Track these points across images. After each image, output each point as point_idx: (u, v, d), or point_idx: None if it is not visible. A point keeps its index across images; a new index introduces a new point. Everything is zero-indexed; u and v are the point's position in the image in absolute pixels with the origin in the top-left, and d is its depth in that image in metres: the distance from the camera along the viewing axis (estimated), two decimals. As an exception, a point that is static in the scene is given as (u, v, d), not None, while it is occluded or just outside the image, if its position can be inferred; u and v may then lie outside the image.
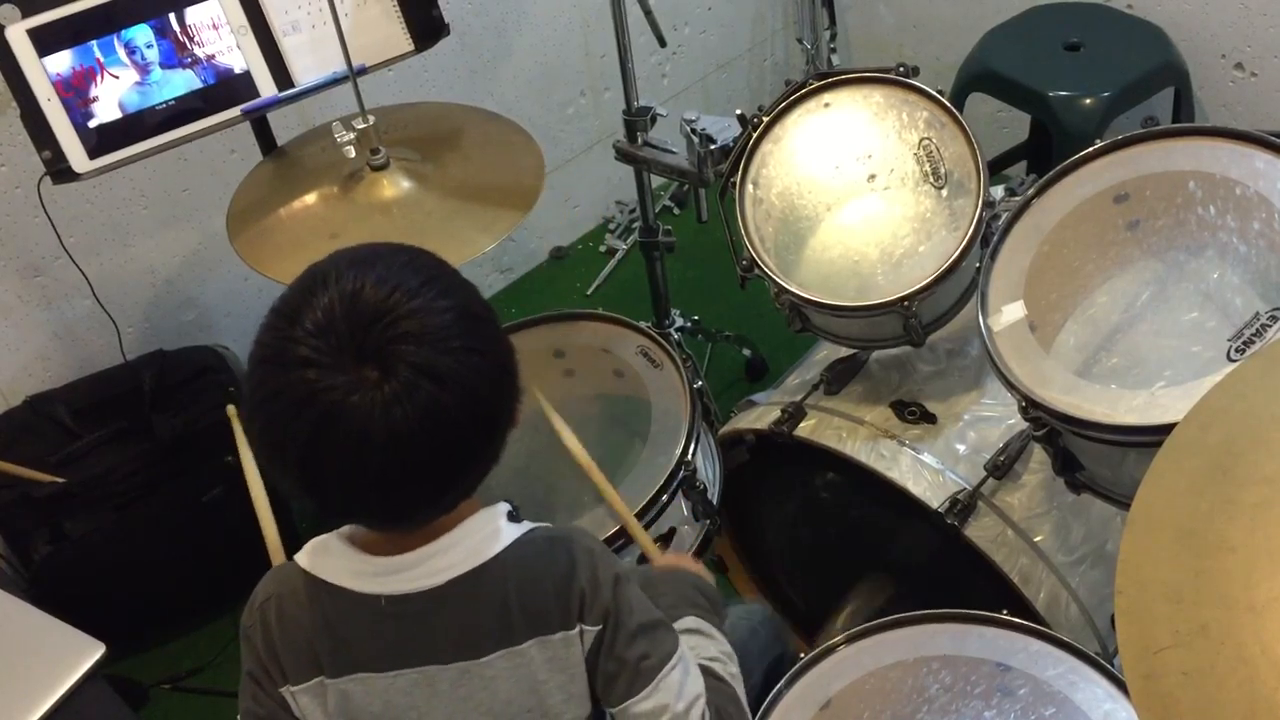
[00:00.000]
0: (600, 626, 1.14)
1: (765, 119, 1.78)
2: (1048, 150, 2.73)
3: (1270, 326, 1.31)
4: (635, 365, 1.84)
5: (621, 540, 1.61)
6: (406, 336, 0.97)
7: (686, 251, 2.62)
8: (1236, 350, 1.32)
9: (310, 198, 1.76)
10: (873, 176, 1.74)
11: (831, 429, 1.78)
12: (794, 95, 1.78)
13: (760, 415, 1.87)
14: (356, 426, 0.96)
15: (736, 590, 2.16)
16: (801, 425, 1.80)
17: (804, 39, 3.33)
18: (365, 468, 0.98)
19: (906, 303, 1.64)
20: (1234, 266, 1.40)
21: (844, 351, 1.91)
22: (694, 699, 1.17)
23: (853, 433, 1.75)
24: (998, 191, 1.93)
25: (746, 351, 2.74)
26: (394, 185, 1.74)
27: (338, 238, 1.68)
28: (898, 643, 1.47)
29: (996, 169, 3.05)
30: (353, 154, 1.70)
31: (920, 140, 1.71)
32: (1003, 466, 1.68)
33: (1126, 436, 1.34)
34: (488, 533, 1.12)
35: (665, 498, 1.65)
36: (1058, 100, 2.57)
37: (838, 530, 1.92)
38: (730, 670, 1.28)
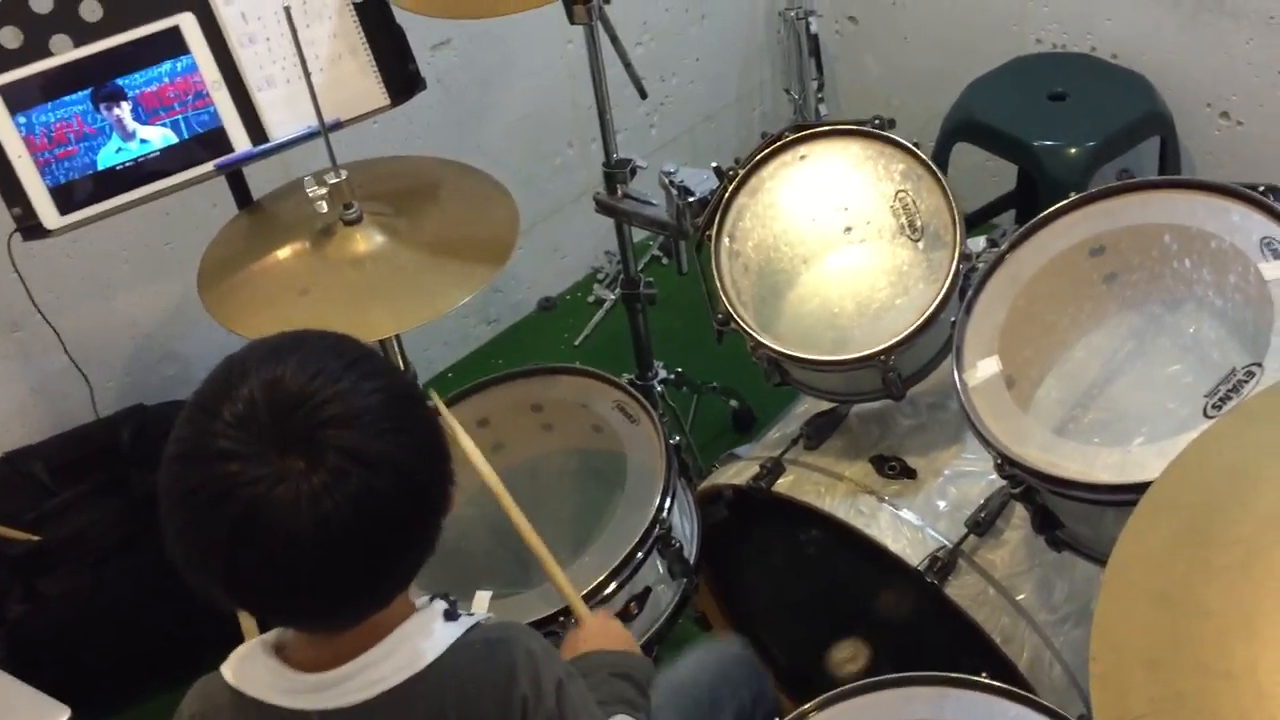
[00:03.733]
0: None
1: (741, 171, 1.77)
2: (1035, 199, 2.72)
3: (1246, 382, 1.28)
4: (612, 420, 1.82)
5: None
6: (332, 421, 0.94)
7: (673, 302, 2.61)
8: (1213, 406, 1.29)
9: (282, 253, 1.74)
10: (849, 229, 1.73)
11: (810, 484, 1.75)
12: (770, 148, 1.77)
13: (739, 471, 1.85)
14: (283, 522, 0.91)
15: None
16: (780, 481, 1.77)
17: (791, 89, 3.35)
18: (295, 566, 0.94)
19: (884, 356, 1.62)
20: (1210, 320, 1.38)
21: (825, 405, 1.88)
22: None
23: (831, 489, 1.72)
24: (979, 243, 1.91)
25: (733, 402, 2.72)
26: (367, 240, 1.73)
27: (308, 293, 1.67)
28: (873, 708, 1.43)
29: (985, 218, 3.04)
30: (325, 209, 1.69)
31: (896, 192, 1.70)
32: (984, 523, 1.65)
33: (1103, 495, 1.31)
34: (422, 639, 1.07)
35: (640, 555, 1.62)
36: (1042, 150, 2.56)
37: (819, 587, 1.89)
38: None
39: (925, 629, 1.73)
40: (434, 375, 3.09)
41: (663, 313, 2.50)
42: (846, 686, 1.45)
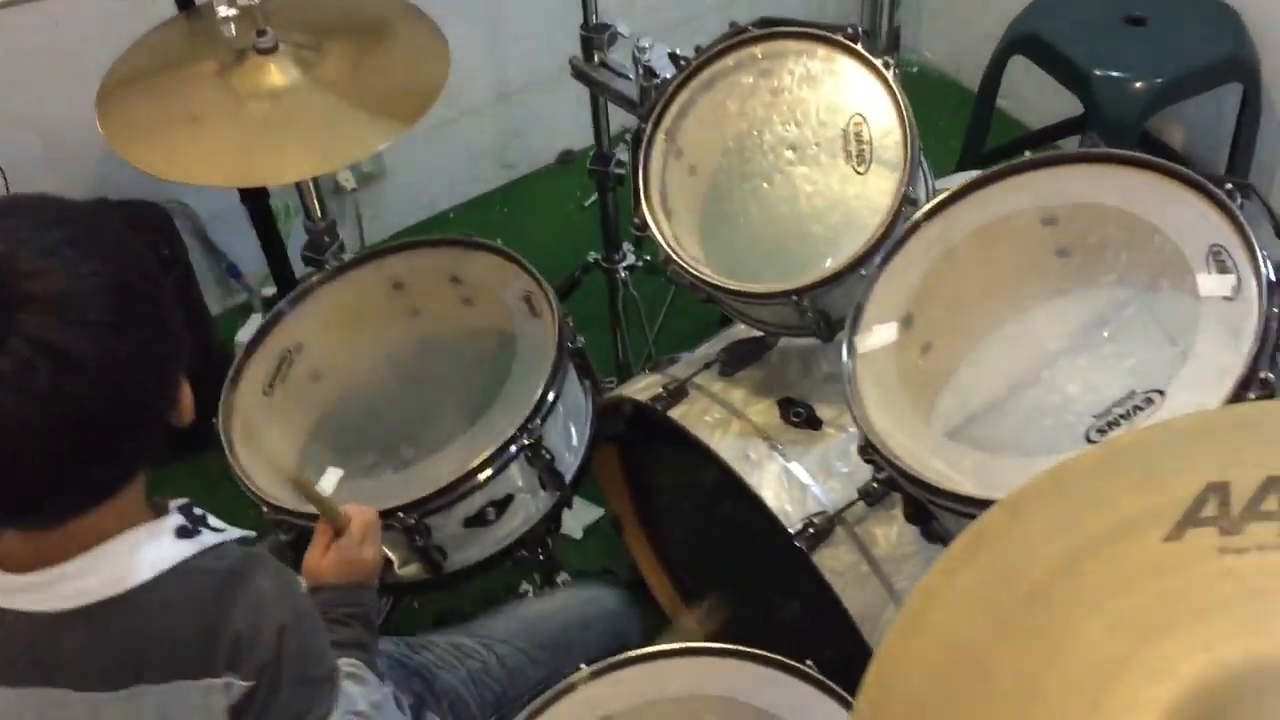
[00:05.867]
0: (253, 683, 0.99)
1: (693, 64, 1.58)
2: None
3: (1142, 409, 1.10)
4: (515, 310, 1.69)
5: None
6: (29, 302, 0.82)
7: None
8: (1098, 430, 1.12)
9: (188, 74, 1.62)
10: (794, 148, 1.54)
11: (708, 416, 1.61)
12: (730, 41, 1.58)
13: (645, 386, 1.71)
14: None
15: (635, 557, 2.03)
16: (678, 406, 1.64)
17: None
18: None
19: (796, 296, 1.46)
20: (1129, 330, 1.19)
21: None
22: None
23: (725, 425, 1.59)
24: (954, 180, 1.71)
25: (722, 296, 2.55)
26: (281, 73, 1.59)
27: (199, 123, 1.55)
28: (691, 673, 1.32)
29: (1046, 140, 2.77)
30: (232, 32, 1.56)
31: (851, 116, 1.50)
32: (877, 493, 1.50)
33: (954, 505, 1.16)
34: (140, 555, 0.98)
35: (498, 463, 1.51)
36: (1101, 81, 2.29)
37: (710, 519, 1.78)
38: None
39: (794, 592, 1.61)
40: (435, 215, 2.98)
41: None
42: (673, 645, 1.36)
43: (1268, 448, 0.94)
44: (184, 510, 1.05)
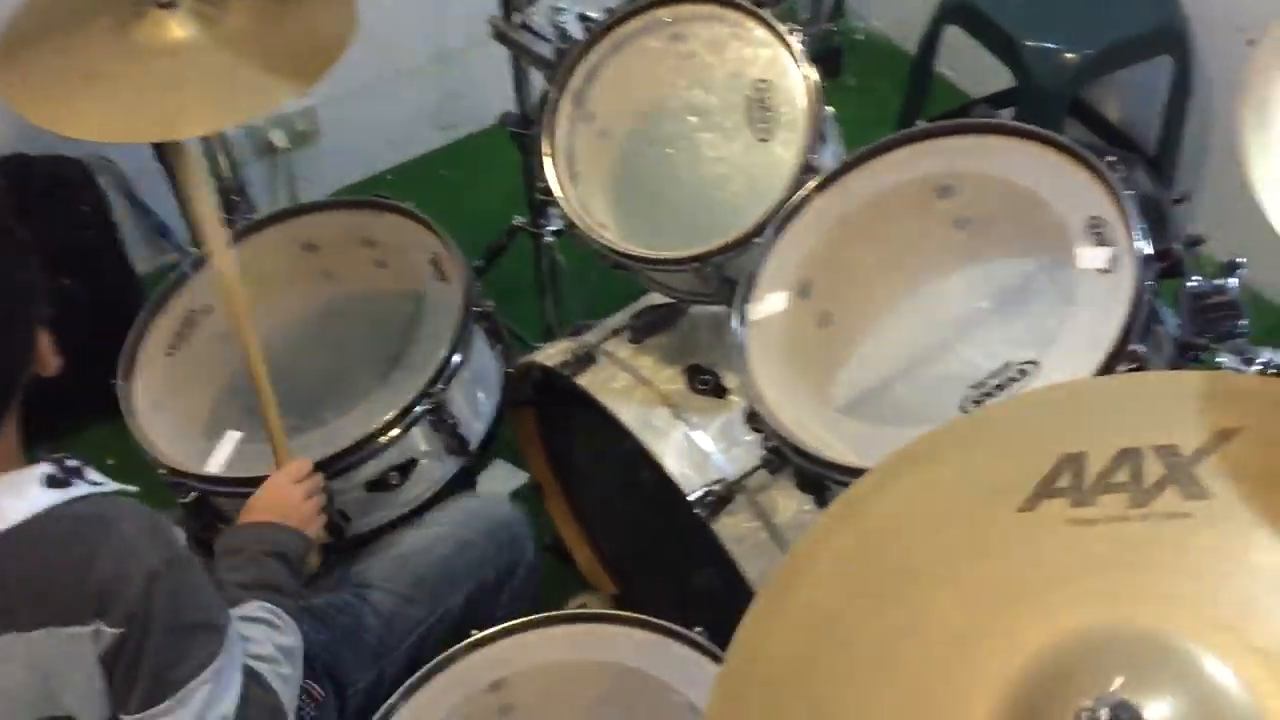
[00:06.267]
0: (122, 630, 0.99)
1: (599, 27, 1.57)
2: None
3: (1017, 380, 1.11)
4: (424, 273, 1.68)
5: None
6: None
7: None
8: (973, 402, 1.12)
9: (85, 28, 1.57)
10: (699, 114, 1.53)
11: (614, 383, 1.60)
12: (635, 5, 1.56)
13: (556, 352, 1.71)
14: None
15: (556, 522, 2.03)
16: (585, 373, 1.63)
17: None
18: None
19: (698, 263, 1.45)
20: (1011, 300, 1.19)
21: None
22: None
23: (630, 393, 1.58)
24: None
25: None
26: (181, 28, 1.55)
27: (93, 80, 1.52)
28: (576, 637, 1.33)
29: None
30: (132, -15, 1.52)
31: (755, 83, 1.49)
32: (776, 462, 1.50)
33: (830, 473, 1.16)
34: (2, 502, 0.98)
35: (400, 425, 1.50)
36: (1032, 51, 2.28)
37: (621, 485, 1.78)
38: (281, 672, 1.14)
39: (703, 559, 1.61)
40: (372, 176, 2.95)
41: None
42: (564, 611, 1.36)
43: (1124, 420, 0.94)
44: (55, 461, 1.05)
